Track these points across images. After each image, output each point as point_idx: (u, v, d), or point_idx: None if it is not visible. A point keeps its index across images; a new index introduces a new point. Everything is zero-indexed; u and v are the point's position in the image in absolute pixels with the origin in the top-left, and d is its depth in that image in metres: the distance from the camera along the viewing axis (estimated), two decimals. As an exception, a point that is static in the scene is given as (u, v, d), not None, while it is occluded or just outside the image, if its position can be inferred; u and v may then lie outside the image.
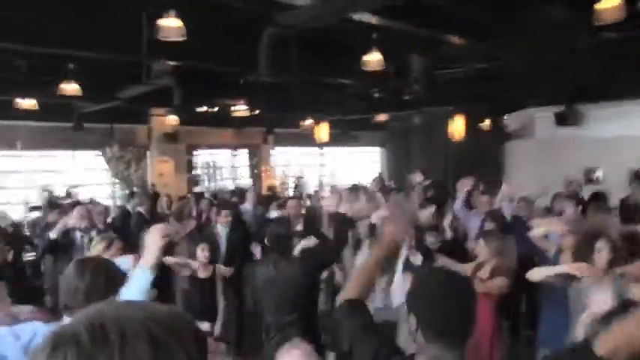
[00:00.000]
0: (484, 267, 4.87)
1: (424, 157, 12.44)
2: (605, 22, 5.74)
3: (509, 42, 7.32)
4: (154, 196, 10.62)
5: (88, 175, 13.05)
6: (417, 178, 9.89)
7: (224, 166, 15.08)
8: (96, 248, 4.41)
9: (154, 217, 8.41)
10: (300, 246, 5.10)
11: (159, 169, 13.52)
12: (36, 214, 10.15)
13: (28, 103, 9.72)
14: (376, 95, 10.61)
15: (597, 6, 5.69)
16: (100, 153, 12.78)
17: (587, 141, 11.07)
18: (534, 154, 11.86)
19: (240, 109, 11.39)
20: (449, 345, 1.89)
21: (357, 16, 7.02)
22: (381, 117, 12.86)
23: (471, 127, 11.47)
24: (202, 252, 5.99)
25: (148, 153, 13.60)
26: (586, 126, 11.26)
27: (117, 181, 12.88)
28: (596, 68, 7.72)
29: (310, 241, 5.12)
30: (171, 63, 8.98)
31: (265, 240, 5.11)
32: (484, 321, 4.40)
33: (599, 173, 11.09)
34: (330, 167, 16.61)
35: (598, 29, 6.17)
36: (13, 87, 9.16)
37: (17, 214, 10.26)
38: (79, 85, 8.61)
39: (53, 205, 9.40)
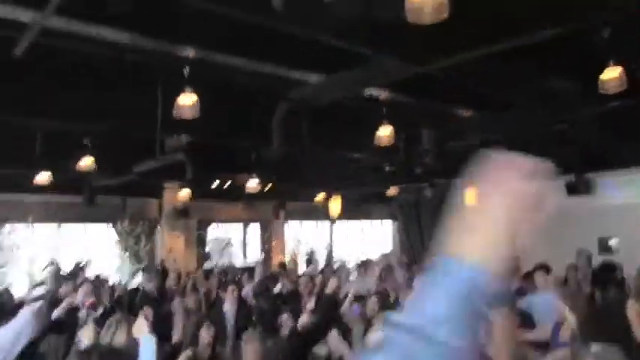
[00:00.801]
0: None
1: (436, 230, 12.37)
2: (609, 91, 5.87)
3: (517, 114, 7.45)
4: (163, 273, 10.56)
5: (98, 249, 13.02)
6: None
7: (235, 242, 15.06)
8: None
9: (162, 294, 8.39)
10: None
11: (169, 244, 13.50)
12: (40, 290, 10.03)
13: (42, 178, 9.76)
14: (387, 169, 10.69)
15: (602, 76, 5.85)
16: (112, 226, 12.82)
17: (598, 210, 11.05)
18: (547, 225, 11.76)
19: (252, 184, 11.48)
20: None
21: (367, 91, 7.22)
22: (393, 190, 12.92)
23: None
24: (207, 332, 5.74)
25: (158, 227, 13.62)
26: (597, 194, 11.27)
27: (126, 255, 12.85)
28: (602, 137, 7.80)
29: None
30: (185, 138, 9.24)
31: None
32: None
33: (613, 242, 11.01)
34: (342, 241, 16.55)
35: (603, 99, 6.29)
36: (28, 161, 9.29)
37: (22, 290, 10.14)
38: (94, 159, 8.74)
39: (59, 279, 9.30)
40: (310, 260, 14.56)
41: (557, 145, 9.44)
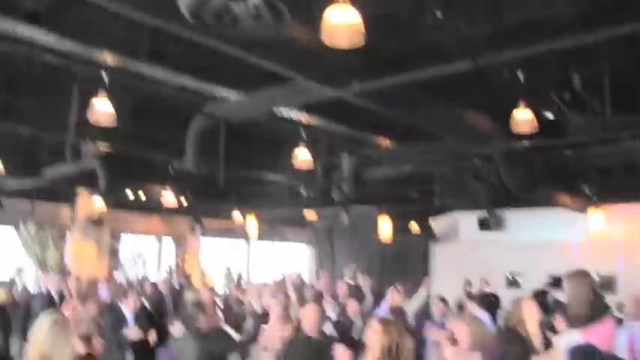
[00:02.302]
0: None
1: (349, 255, 12.47)
2: (520, 131, 6.07)
3: (432, 145, 7.60)
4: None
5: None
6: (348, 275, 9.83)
7: (149, 255, 14.66)
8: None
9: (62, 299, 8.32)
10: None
11: (80, 252, 12.99)
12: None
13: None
14: (303, 192, 10.70)
15: (515, 115, 6.02)
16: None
17: (508, 245, 11.41)
18: (459, 256, 12.09)
19: (168, 197, 11.22)
20: None
21: (287, 114, 7.19)
22: (310, 215, 12.91)
23: (399, 228, 11.66)
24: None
25: (67, 234, 13.11)
26: (507, 230, 11.64)
27: (32, 261, 12.29)
28: (514, 177, 8.04)
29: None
30: (100, 146, 8.95)
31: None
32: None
33: (519, 277, 11.37)
34: (258, 262, 16.40)
35: (515, 138, 6.51)
36: None
37: None
38: (2, 159, 8.34)
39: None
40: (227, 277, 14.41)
41: (470, 181, 9.72)
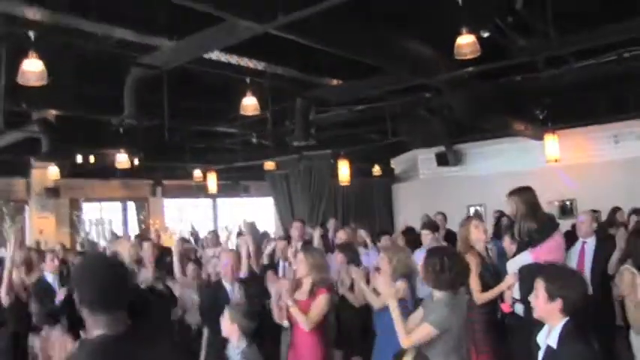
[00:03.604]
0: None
1: (307, 203, 12.36)
2: (465, 57, 5.91)
3: (378, 81, 7.44)
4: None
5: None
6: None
7: (114, 221, 14.43)
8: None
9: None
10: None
11: (39, 225, 12.75)
12: None
13: None
14: (254, 141, 10.50)
15: (458, 41, 5.85)
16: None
17: (467, 179, 11.43)
18: (419, 194, 12.09)
19: (122, 160, 10.92)
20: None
21: (230, 59, 6.96)
22: (270, 165, 12.73)
23: (358, 170, 11.56)
24: None
25: (26, 207, 12.83)
26: (465, 165, 11.64)
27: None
28: (465, 107, 7.95)
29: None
30: (40, 112, 8.64)
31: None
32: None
33: (480, 210, 11.39)
34: (223, 219, 16.26)
35: (459, 65, 6.36)
36: None
37: None
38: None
39: None
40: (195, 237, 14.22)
41: (426, 117, 9.63)
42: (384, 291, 3.78)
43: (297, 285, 4.61)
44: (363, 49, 5.94)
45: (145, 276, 5.53)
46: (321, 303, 4.41)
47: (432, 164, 11.80)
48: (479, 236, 5.05)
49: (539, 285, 2.88)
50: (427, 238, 6.70)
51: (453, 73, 6.64)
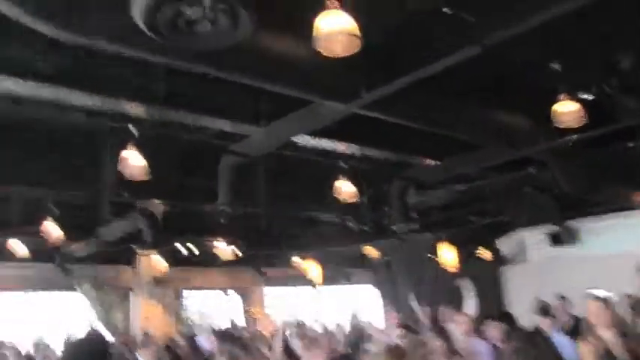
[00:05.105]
0: None
1: (410, 288, 11.80)
2: (565, 125, 5.51)
3: (475, 157, 7.09)
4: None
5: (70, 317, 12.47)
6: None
7: (215, 309, 14.50)
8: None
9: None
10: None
11: (145, 313, 12.99)
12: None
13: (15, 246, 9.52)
14: (350, 225, 10.28)
15: (555, 108, 5.48)
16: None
17: (584, 260, 10.47)
18: (531, 278, 11.23)
19: (223, 249, 11.03)
20: None
21: (321, 143, 6.91)
22: (370, 251, 12.40)
23: (462, 254, 10.98)
24: None
25: (131, 294, 13.15)
26: (582, 244, 10.74)
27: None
28: (571, 177, 7.38)
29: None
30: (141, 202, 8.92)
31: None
32: None
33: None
34: (325, 307, 15.92)
35: (561, 134, 5.93)
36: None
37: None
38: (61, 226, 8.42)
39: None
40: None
41: (530, 193, 9.06)
42: None
43: None
44: (452, 124, 5.67)
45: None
46: None
47: (542, 244, 11.00)
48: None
49: None
50: (544, 324, 6.10)
51: (553, 143, 6.18)
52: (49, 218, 8.43)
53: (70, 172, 7.88)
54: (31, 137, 7.03)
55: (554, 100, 5.47)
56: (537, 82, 5.63)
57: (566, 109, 5.47)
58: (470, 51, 4.00)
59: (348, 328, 9.60)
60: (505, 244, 12.43)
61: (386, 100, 4.69)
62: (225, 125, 6.31)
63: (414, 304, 9.07)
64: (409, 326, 6.70)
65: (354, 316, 9.62)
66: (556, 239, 10.72)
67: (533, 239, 11.46)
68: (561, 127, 5.55)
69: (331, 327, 9.66)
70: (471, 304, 8.35)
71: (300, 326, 9.13)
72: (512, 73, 5.57)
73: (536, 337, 3.61)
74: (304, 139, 6.53)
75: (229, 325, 13.14)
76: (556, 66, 5.39)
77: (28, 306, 12.34)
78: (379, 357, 4.30)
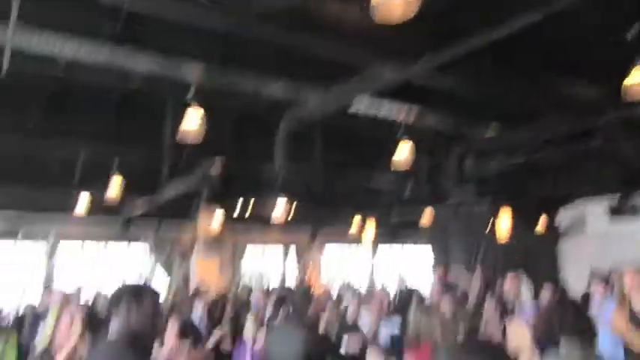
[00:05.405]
0: None
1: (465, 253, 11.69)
2: (635, 98, 5.29)
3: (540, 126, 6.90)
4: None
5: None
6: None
7: (272, 266, 14.81)
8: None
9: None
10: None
11: (203, 268, 13.37)
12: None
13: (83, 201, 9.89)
14: (409, 193, 10.22)
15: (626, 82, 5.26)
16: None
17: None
18: (589, 251, 10.96)
19: (280, 207, 11.18)
20: None
21: (381, 107, 6.85)
22: (426, 217, 12.31)
23: (519, 224, 10.76)
24: None
25: (192, 250, 13.57)
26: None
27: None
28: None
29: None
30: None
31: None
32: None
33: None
34: (380, 266, 16.04)
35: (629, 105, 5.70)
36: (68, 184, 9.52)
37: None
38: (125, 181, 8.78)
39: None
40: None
41: (593, 163, 8.80)
42: None
43: None
44: (514, 93, 5.54)
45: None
46: None
47: (602, 216, 10.71)
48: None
49: None
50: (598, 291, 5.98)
51: (621, 114, 5.96)
52: (115, 176, 8.74)
53: (134, 133, 8.20)
54: (96, 101, 7.26)
55: (624, 71, 5.25)
56: (606, 52, 5.42)
57: (638, 81, 5.25)
58: (533, 17, 3.86)
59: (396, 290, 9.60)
60: (564, 216, 12.15)
61: (446, 66, 4.61)
62: (283, 89, 6.32)
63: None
64: (450, 284, 6.74)
65: (402, 279, 9.62)
66: (616, 211, 10.43)
67: (593, 211, 11.17)
68: (631, 100, 5.34)
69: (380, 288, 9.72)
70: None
71: (351, 286, 9.26)
72: (579, 41, 5.38)
73: (566, 300, 3.64)
74: (363, 106, 6.47)
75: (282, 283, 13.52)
76: (629, 34, 5.17)
77: (93, 258, 12.95)
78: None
